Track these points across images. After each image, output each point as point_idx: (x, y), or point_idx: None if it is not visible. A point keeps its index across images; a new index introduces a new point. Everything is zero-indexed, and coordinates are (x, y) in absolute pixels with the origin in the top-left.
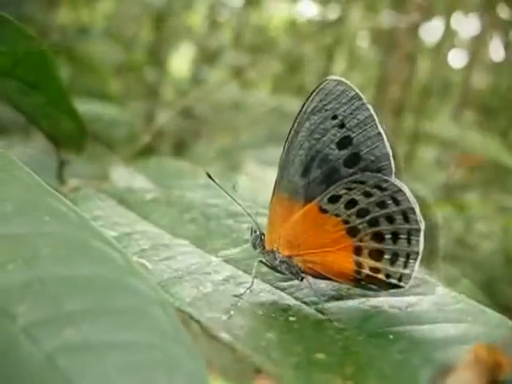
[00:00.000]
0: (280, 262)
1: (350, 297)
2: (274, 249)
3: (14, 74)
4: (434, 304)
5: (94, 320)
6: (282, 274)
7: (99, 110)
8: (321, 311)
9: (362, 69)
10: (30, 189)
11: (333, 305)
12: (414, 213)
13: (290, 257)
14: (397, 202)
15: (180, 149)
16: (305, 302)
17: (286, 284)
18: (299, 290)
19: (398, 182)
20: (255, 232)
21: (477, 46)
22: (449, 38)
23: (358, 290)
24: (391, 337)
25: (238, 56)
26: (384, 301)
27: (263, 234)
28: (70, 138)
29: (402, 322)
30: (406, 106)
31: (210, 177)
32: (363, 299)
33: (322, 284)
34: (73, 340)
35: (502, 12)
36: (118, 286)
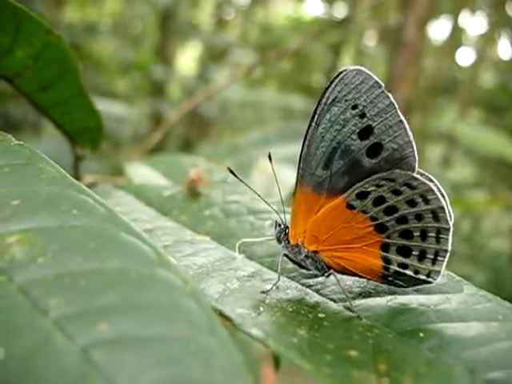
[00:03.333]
0: (305, 256)
1: (377, 294)
2: (299, 243)
3: (34, 68)
4: (463, 302)
5: (128, 314)
6: (307, 269)
7: (106, 107)
8: (349, 308)
9: (369, 67)
10: (56, 182)
11: (360, 302)
12: (444, 211)
13: (315, 252)
14: (427, 201)
15: (187, 147)
16: (332, 299)
17: (311, 281)
18: (326, 287)
19: (428, 180)
20: (279, 226)
21: (484, 44)
22: (456, 36)
23: (385, 288)
24: (421, 335)
25: (245, 54)
26: (412, 298)
27: (288, 228)
28: (87, 134)
29: (432, 319)
30: (414, 104)
31: (232, 173)
32: (391, 297)
33: (349, 281)
34: (107, 334)
35: (510, 10)
36: (149, 278)
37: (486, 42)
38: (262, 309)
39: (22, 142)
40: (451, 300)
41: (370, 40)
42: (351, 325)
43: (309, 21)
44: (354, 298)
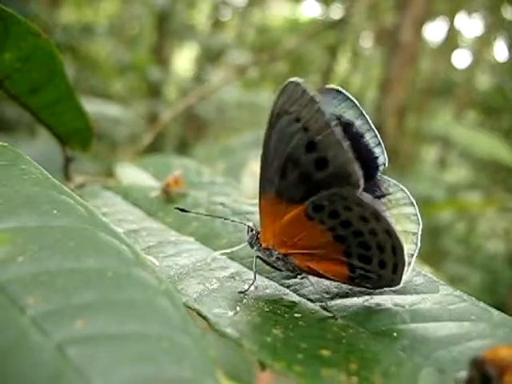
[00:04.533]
0: (276, 258)
1: (354, 294)
2: (270, 246)
3: (23, 71)
4: (438, 302)
5: (103, 312)
6: (279, 270)
7: (103, 108)
8: (325, 308)
9: (365, 68)
10: (38, 182)
11: (337, 302)
12: (395, 231)
13: (285, 255)
14: (377, 219)
15: (183, 148)
16: (310, 299)
17: (290, 281)
18: (304, 287)
19: (374, 203)
20: (251, 231)
21: (480, 46)
22: (453, 38)
23: (362, 288)
24: (395, 334)
25: (242, 56)
26: (388, 298)
27: (259, 233)
28: (77, 135)
29: (406, 320)
30: (410, 105)
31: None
32: (367, 297)
33: (326, 281)
34: (82, 331)
35: (506, 12)
36: (126, 278)
37: (482, 44)
38: (238, 308)
39: (5, 144)
40: (426, 300)
41: (367, 41)
42: (326, 324)
43: (305, 22)
44: (331, 299)
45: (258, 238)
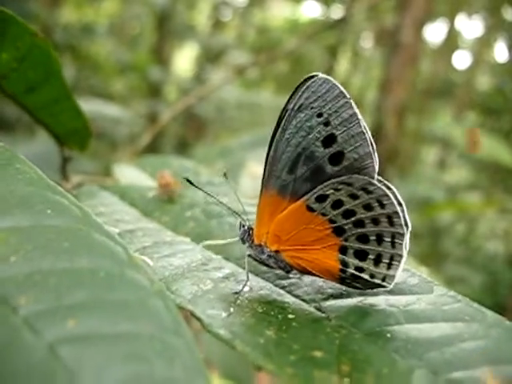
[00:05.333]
0: (268, 256)
1: (348, 295)
2: (262, 243)
3: (19, 71)
4: (432, 303)
5: (95, 312)
6: (270, 267)
7: (103, 108)
8: (319, 309)
9: (366, 69)
10: (32, 182)
11: (331, 303)
12: (399, 217)
13: (277, 251)
14: (382, 206)
15: (182, 148)
16: (304, 300)
17: (285, 282)
18: (299, 288)
19: (383, 186)
20: (243, 227)
21: (480, 47)
22: (453, 39)
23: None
24: (388, 335)
25: (242, 56)
26: (382, 299)
27: (251, 229)
28: (74, 135)
29: (400, 320)
30: (410, 106)
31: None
32: (361, 298)
33: (321, 282)
34: (74, 331)
35: (506, 13)
36: (118, 278)
37: (482, 45)
38: (232, 310)
39: (1, 143)
40: (421, 301)
41: (367, 42)
42: (320, 325)
43: (306, 22)
44: (325, 299)
45: (250, 235)
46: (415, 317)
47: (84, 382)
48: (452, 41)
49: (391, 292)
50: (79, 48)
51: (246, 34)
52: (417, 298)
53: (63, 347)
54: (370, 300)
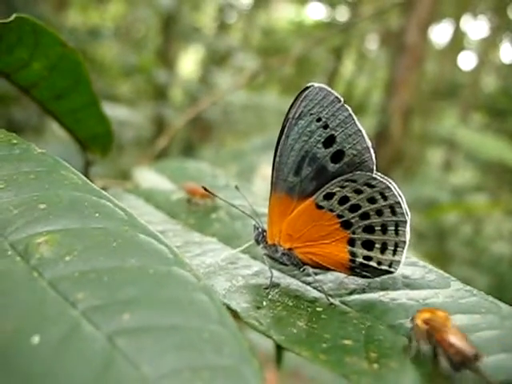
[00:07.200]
0: (282, 254)
1: (370, 290)
2: (276, 243)
3: (49, 79)
4: (449, 297)
5: (147, 306)
6: (285, 265)
7: (109, 111)
8: (345, 303)
9: (371, 70)
10: (78, 187)
11: (355, 297)
12: (401, 206)
13: (290, 249)
14: (385, 198)
15: (189, 150)
16: (330, 295)
17: (311, 279)
18: (324, 284)
19: (385, 179)
20: (257, 229)
21: (486, 48)
22: (458, 40)
23: (378, 284)
24: (409, 326)
25: (247, 58)
26: (403, 294)
27: (265, 231)
28: (97, 140)
29: None
30: (415, 108)
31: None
32: (383, 292)
33: (345, 279)
34: (129, 324)
35: None
36: (166, 275)
37: (488, 46)
38: (264, 303)
39: (44, 151)
40: (439, 295)
41: (372, 43)
42: (346, 317)
43: (311, 24)
44: (349, 294)
45: (263, 236)
46: None
47: (143, 368)
48: (457, 42)
49: (411, 287)
50: (85, 51)
51: (251, 36)
52: (435, 292)
53: (121, 338)
54: (392, 294)
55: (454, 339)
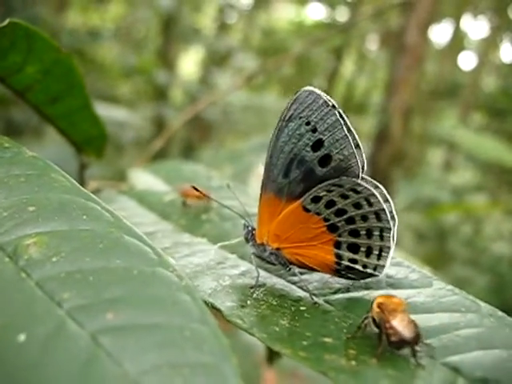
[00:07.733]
0: (269, 253)
1: (354, 289)
2: (264, 242)
3: (43, 83)
4: (431, 296)
5: (131, 306)
6: (272, 264)
7: (109, 112)
8: (329, 302)
9: (371, 71)
10: (67, 190)
11: (339, 296)
12: (385, 213)
13: (278, 249)
14: (370, 204)
15: (188, 151)
16: (314, 294)
17: (297, 278)
18: (309, 283)
19: (371, 185)
20: (247, 227)
21: (486, 48)
22: (458, 40)
23: (362, 284)
24: None
25: (247, 58)
26: (385, 293)
27: (254, 229)
28: (92, 143)
29: None
30: (415, 108)
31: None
32: (366, 291)
33: (330, 278)
34: (113, 323)
35: None
36: (150, 276)
37: (488, 46)
38: (249, 302)
39: (35, 154)
40: (421, 294)
41: (372, 44)
42: (329, 316)
43: (311, 25)
44: (333, 293)
45: (253, 234)
46: (415, 308)
47: (125, 365)
48: (458, 42)
49: (394, 286)
50: (85, 52)
51: (251, 36)
52: (417, 291)
53: (104, 336)
54: (375, 293)
55: (396, 322)
